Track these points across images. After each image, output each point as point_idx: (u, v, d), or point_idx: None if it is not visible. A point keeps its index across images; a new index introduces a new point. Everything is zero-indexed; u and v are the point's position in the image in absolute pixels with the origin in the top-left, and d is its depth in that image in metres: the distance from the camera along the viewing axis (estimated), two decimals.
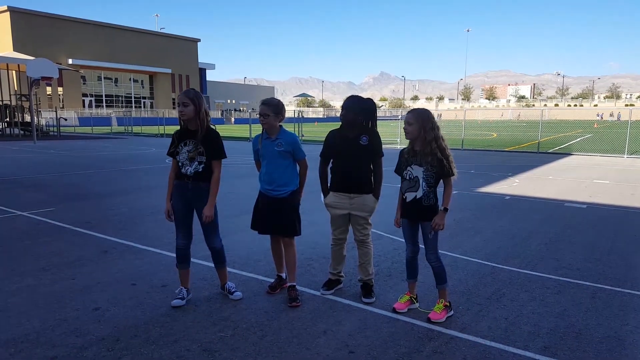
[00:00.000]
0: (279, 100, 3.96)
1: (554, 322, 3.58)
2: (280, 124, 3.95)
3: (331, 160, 4.08)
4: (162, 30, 74.80)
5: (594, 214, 7.57)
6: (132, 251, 5.37)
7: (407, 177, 3.60)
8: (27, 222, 6.81)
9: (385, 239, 5.92)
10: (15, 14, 52.14)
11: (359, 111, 3.89)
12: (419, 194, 3.54)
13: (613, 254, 5.38)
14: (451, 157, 3.52)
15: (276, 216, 3.94)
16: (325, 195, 4.12)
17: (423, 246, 3.72)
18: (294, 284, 4.06)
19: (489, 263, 5.01)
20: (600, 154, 18.27)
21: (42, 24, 54.42)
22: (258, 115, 3.91)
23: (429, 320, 3.56)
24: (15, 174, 12.16)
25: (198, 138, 3.74)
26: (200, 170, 3.75)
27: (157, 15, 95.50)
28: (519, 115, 78.10)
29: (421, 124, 3.48)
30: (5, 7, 52.04)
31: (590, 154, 18.58)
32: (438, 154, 3.45)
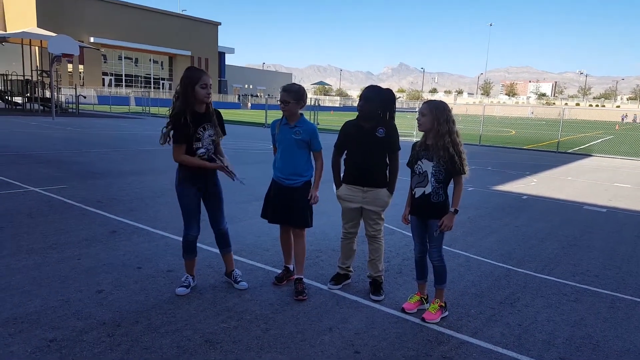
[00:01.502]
0: (300, 86, 3.81)
1: (570, 332, 3.43)
2: (300, 111, 3.81)
3: (345, 151, 3.94)
4: (184, 13, 74.73)
5: (614, 219, 7.33)
6: (140, 233, 5.32)
7: (417, 172, 3.45)
8: (38, 198, 6.80)
9: (397, 235, 5.78)
10: None
11: (378, 102, 3.74)
12: (428, 189, 3.39)
13: (633, 262, 5.18)
14: (464, 154, 3.34)
15: (287, 206, 3.82)
16: (337, 187, 3.99)
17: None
18: (302, 277, 3.95)
19: (504, 265, 4.85)
20: (621, 157, 17.81)
21: (66, 2, 54.65)
22: (278, 102, 3.77)
23: (423, 320, 3.45)
24: (31, 149, 12.22)
25: (213, 119, 3.64)
26: (214, 150, 3.72)
27: None
28: (532, 112, 76.63)
29: (435, 115, 3.31)
30: None
31: (611, 156, 18.13)
32: (450, 149, 3.28)
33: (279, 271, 4.21)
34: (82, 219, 5.79)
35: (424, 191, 3.42)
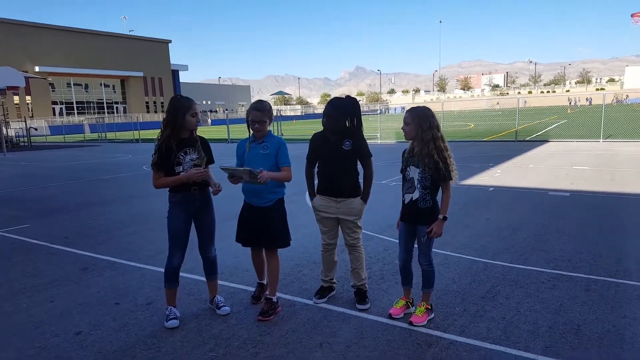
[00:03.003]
0: (268, 102, 3.79)
1: (552, 319, 3.52)
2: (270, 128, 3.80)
3: (317, 162, 3.94)
4: (132, 33, 73.46)
5: (578, 202, 7.60)
6: (113, 267, 5.15)
7: (406, 178, 3.47)
8: (0, 241, 6.50)
9: (375, 240, 5.82)
10: None
11: (341, 115, 3.73)
12: (415, 195, 3.41)
13: (602, 243, 5.38)
14: (450, 159, 3.35)
15: (262, 227, 3.75)
16: (311, 198, 3.99)
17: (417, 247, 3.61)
18: (272, 297, 3.81)
19: (481, 259, 4.95)
20: (576, 140, 18.53)
21: (5, 31, 52.93)
22: (250, 122, 3.66)
23: (410, 324, 3.47)
24: None
25: (197, 145, 3.60)
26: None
27: (124, 17, 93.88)
28: (498, 103, 78.96)
29: (418, 123, 3.33)
30: None
31: (567, 140, 18.83)
32: (435, 156, 3.29)
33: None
34: (50, 259, 5.57)
35: (412, 197, 3.43)
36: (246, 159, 3.76)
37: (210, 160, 3.74)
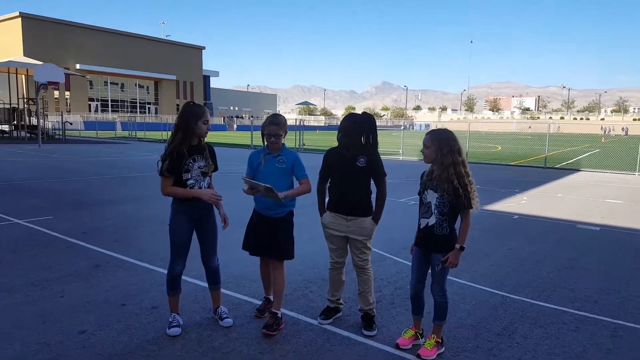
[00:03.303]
0: (283, 116, 3.77)
1: None
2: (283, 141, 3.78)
3: (329, 179, 3.85)
4: (168, 38, 75.15)
5: (609, 238, 7.28)
6: (125, 267, 5.14)
7: (423, 202, 3.34)
8: (22, 231, 6.60)
9: (388, 261, 5.67)
10: (27, 19, 52.64)
11: (357, 132, 3.66)
12: (432, 221, 3.27)
13: (632, 285, 5.08)
14: (471, 186, 3.20)
15: (270, 237, 3.72)
16: (321, 214, 3.89)
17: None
18: (277, 312, 3.72)
19: (499, 292, 4.74)
20: (610, 171, 17.92)
21: (52, 30, 54.86)
22: (266, 135, 3.66)
23: (418, 357, 3.30)
24: (16, 178, 12.00)
25: (205, 153, 3.59)
26: (207, 185, 3.63)
27: (163, 22, 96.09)
28: (530, 127, 77.62)
29: (438, 146, 3.20)
30: (17, 13, 52.64)
31: (599, 170, 18.23)
32: (454, 182, 3.14)
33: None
34: (66, 253, 5.61)
35: (428, 222, 3.30)
36: (262, 172, 3.72)
37: (215, 168, 3.71)
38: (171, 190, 3.49)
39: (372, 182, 3.73)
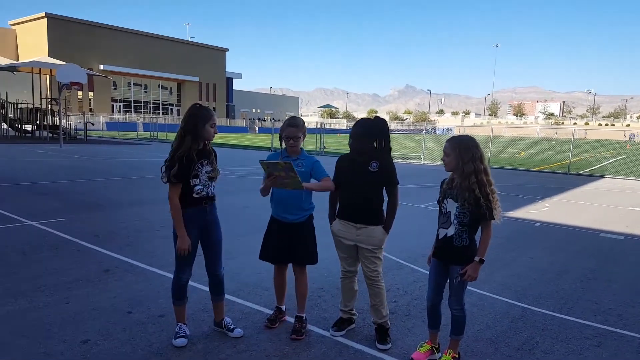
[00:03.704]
0: (301, 119, 3.67)
1: None
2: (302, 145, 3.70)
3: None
4: (192, 39, 75.92)
5: (634, 248, 6.98)
6: (134, 272, 5.08)
7: (443, 211, 3.18)
8: (34, 233, 6.60)
9: (405, 269, 5.49)
10: (52, 20, 53.64)
11: (368, 137, 3.51)
12: (451, 231, 3.11)
13: None
14: (493, 195, 3.02)
15: (292, 243, 3.63)
16: (331, 222, 3.76)
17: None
18: (303, 315, 3.75)
19: (519, 304, 4.53)
20: (634, 178, 17.40)
21: (77, 31, 55.80)
22: (284, 138, 3.57)
23: None
24: (34, 178, 12.12)
25: (212, 157, 3.50)
26: (214, 190, 3.55)
27: (188, 24, 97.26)
28: (556, 133, 76.25)
29: (458, 154, 3.04)
30: (43, 14, 53.68)
31: (624, 177, 17.71)
32: (476, 191, 2.97)
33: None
34: (76, 257, 5.57)
35: (447, 233, 3.14)
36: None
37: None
38: (177, 210, 3.35)
39: (384, 190, 3.58)
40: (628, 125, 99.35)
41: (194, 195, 3.39)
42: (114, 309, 4.09)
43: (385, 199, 3.59)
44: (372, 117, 3.64)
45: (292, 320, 3.84)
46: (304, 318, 3.75)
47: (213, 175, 3.49)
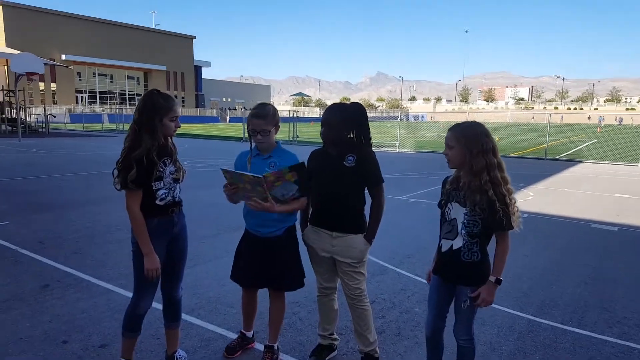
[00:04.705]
0: (272, 106, 2.92)
1: None
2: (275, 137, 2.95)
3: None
4: (158, 27, 73.63)
5: (630, 239, 6.57)
6: (78, 286, 4.34)
7: (446, 218, 2.54)
8: None
9: (389, 274, 4.90)
10: (8, 8, 50.94)
11: (343, 125, 2.84)
12: (457, 243, 2.48)
13: None
14: (510, 197, 2.41)
15: (267, 263, 2.93)
16: (302, 229, 3.10)
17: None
18: (275, 345, 3.09)
19: (524, 315, 3.99)
20: (611, 162, 17.31)
21: (35, 19, 53.18)
22: (250, 132, 2.86)
23: None
24: None
25: (175, 155, 2.80)
26: (180, 194, 2.86)
27: (154, 12, 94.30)
28: (533, 117, 77.14)
29: (465, 146, 2.41)
30: None
31: (600, 161, 17.62)
32: (489, 192, 2.36)
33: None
34: (13, 269, 4.78)
35: (452, 245, 2.51)
36: None
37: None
38: (140, 224, 2.64)
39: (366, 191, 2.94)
40: (596, 109, 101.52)
41: (158, 202, 2.69)
42: (46, 337, 3.37)
43: (368, 201, 2.96)
44: (349, 103, 2.96)
45: (262, 348, 3.20)
46: (276, 348, 3.10)
47: (178, 176, 2.80)
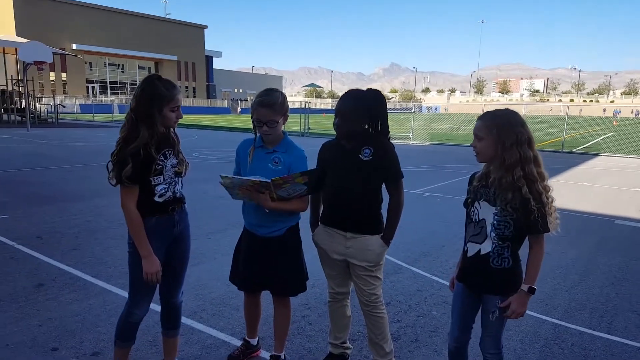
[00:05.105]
0: (280, 92, 2.59)
1: None
2: (283, 128, 2.65)
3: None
4: (169, 16, 73.42)
5: None
6: (74, 286, 4.11)
7: (473, 219, 2.25)
8: None
9: (405, 273, 4.61)
10: None
11: (358, 114, 2.53)
12: (486, 247, 2.19)
13: None
14: (547, 195, 2.11)
15: (270, 266, 2.66)
16: (312, 229, 2.83)
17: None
18: (281, 354, 2.85)
19: (549, 318, 3.69)
20: (630, 155, 16.82)
21: (46, 8, 53.15)
22: (255, 121, 2.56)
23: None
24: None
25: (177, 147, 2.53)
26: (182, 188, 2.59)
27: (165, 1, 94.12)
28: (551, 110, 76.03)
29: (497, 136, 2.11)
30: None
31: (618, 155, 17.12)
32: (523, 189, 2.07)
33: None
34: (7, 266, 4.56)
35: (480, 249, 2.22)
36: (247, 172, 2.63)
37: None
38: (137, 223, 2.39)
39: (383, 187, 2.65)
40: (612, 102, 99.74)
41: (156, 198, 2.43)
42: (35, 343, 3.14)
43: (385, 197, 2.66)
44: (365, 90, 2.66)
45: (267, 356, 2.94)
46: (283, 358, 2.85)
47: (180, 170, 2.53)
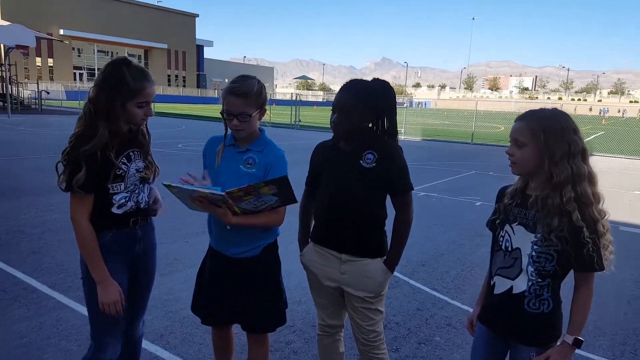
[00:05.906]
0: (257, 80, 2.07)
1: None
2: (260, 124, 2.14)
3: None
4: (159, 4, 72.16)
5: None
6: (26, 299, 3.58)
7: (503, 246, 1.78)
8: None
9: (402, 287, 4.15)
10: None
11: (361, 109, 2.03)
12: (520, 285, 1.73)
13: None
14: (604, 223, 1.64)
15: (241, 294, 2.16)
16: (301, 248, 2.33)
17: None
18: None
19: None
20: (623, 156, 16.59)
21: None
22: (224, 113, 2.03)
23: None
24: None
25: (146, 147, 2.05)
26: (148, 197, 2.09)
27: None
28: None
29: (544, 145, 1.64)
30: None
31: (610, 155, 16.87)
32: (574, 215, 1.60)
33: None
34: None
35: (512, 286, 1.75)
36: (218, 171, 2.11)
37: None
38: (87, 237, 1.90)
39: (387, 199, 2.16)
40: (600, 101, 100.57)
41: (114, 210, 1.95)
42: None
43: (390, 213, 2.18)
44: (370, 80, 2.17)
45: None
46: None
47: (147, 175, 2.05)
